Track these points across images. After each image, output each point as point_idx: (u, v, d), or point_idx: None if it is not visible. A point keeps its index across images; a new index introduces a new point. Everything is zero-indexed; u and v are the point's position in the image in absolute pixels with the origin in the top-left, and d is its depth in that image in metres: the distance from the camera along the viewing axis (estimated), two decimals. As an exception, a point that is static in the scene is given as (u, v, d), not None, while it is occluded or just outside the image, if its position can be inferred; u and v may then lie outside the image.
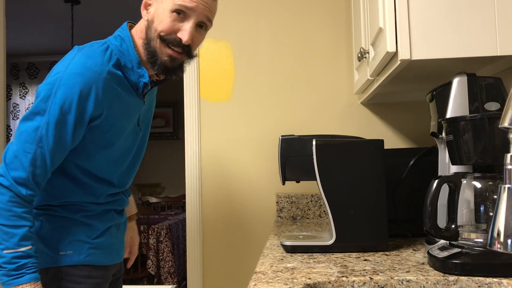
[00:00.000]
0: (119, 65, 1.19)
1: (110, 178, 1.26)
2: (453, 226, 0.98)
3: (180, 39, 1.17)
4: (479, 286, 0.90)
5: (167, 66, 1.20)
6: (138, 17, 1.27)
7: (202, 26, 1.23)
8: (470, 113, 1.07)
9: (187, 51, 1.20)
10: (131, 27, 1.27)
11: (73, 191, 1.22)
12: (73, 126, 1.12)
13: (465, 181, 0.99)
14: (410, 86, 1.57)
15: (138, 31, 1.24)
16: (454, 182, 0.99)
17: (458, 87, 1.09)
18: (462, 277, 0.91)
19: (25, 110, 6.54)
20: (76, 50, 1.17)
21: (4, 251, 1.08)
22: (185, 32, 1.17)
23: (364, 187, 1.23)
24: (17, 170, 1.10)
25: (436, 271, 0.97)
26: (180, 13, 1.16)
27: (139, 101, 1.27)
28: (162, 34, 1.17)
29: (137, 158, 1.36)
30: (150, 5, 1.22)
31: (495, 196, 0.96)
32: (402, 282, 0.94)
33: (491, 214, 0.95)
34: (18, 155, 1.10)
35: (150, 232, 3.91)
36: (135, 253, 1.63)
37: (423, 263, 1.06)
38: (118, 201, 1.33)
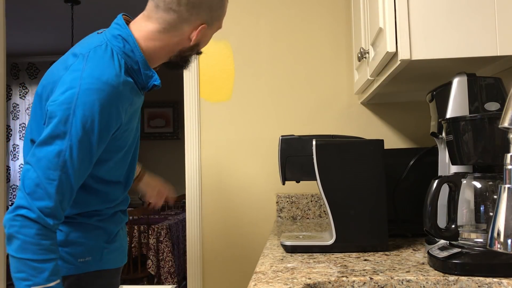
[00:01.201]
0: (127, 70, 1.14)
1: (119, 178, 1.24)
2: (453, 226, 0.98)
3: (199, 52, 1.28)
4: (479, 286, 0.90)
5: (178, 63, 1.26)
6: (124, 13, 1.23)
7: None
8: (470, 113, 1.07)
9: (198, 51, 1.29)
10: (127, 21, 1.22)
11: (89, 201, 1.18)
12: (96, 145, 1.07)
13: (465, 181, 0.99)
14: (410, 86, 1.57)
15: (148, 31, 1.18)
16: (454, 182, 0.99)
17: (458, 87, 1.09)
18: (462, 277, 0.91)
19: (25, 110, 6.54)
20: (81, 59, 1.10)
21: None
22: (204, 46, 1.27)
23: (364, 187, 1.23)
24: (43, 200, 1.02)
25: (436, 271, 0.97)
26: None
27: (142, 98, 1.26)
28: (184, 55, 1.24)
29: (136, 153, 1.32)
30: (201, 29, 1.19)
31: (495, 196, 0.96)
32: (402, 282, 0.94)
33: (491, 214, 0.95)
34: (41, 183, 1.02)
35: (150, 232, 3.91)
36: (170, 193, 1.65)
37: (423, 263, 1.06)
38: (125, 201, 1.31)
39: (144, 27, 1.18)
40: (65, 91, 1.05)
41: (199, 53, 1.28)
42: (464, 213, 0.99)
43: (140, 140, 1.36)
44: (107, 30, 1.20)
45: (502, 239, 0.66)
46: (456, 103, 1.08)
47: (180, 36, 1.19)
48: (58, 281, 1.04)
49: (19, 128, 6.53)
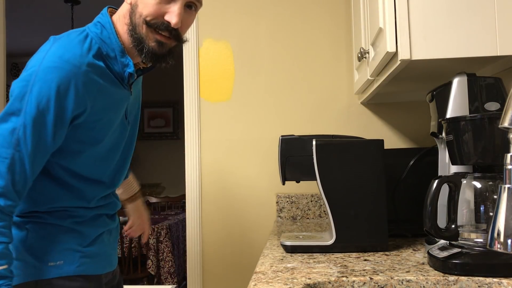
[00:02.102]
0: (100, 55, 1.08)
1: (100, 177, 1.17)
2: (453, 226, 0.98)
3: (168, 23, 1.07)
4: (479, 286, 0.90)
5: (156, 53, 1.10)
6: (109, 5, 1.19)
7: (191, 7, 1.12)
8: (470, 113, 1.07)
9: (176, 35, 1.10)
10: (112, 13, 1.16)
11: (60, 196, 1.12)
12: (53, 126, 1.01)
13: (465, 181, 0.99)
14: (410, 86, 1.57)
15: (120, 17, 1.13)
16: (454, 182, 0.99)
17: (458, 87, 1.09)
18: (462, 277, 0.91)
19: (25, 110, 6.54)
20: (52, 40, 1.06)
21: None
22: (173, 14, 1.07)
23: (364, 187, 1.23)
24: None
25: (436, 271, 0.97)
26: None
27: (126, 92, 1.17)
28: (148, 19, 1.07)
29: (127, 154, 1.26)
30: None
31: (495, 196, 0.96)
32: (402, 282, 0.94)
33: (491, 214, 0.95)
34: None
35: (150, 232, 3.91)
36: (147, 230, 1.54)
37: (423, 263, 1.06)
38: (110, 205, 1.24)
39: (120, 11, 1.14)
40: (26, 70, 1.02)
41: (181, 40, 1.13)
42: (464, 213, 0.99)
43: (137, 142, 1.31)
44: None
45: (502, 239, 0.66)
46: (456, 103, 1.08)
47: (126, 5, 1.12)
48: (4, 266, 0.97)
49: (19, 128, 6.53)
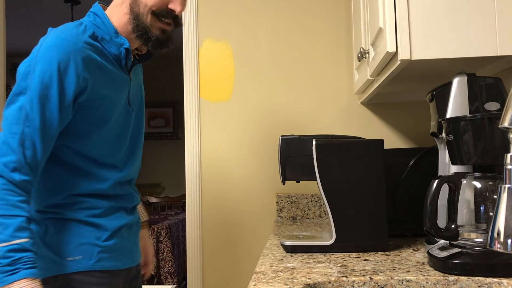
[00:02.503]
0: (95, 38, 1.14)
1: (112, 161, 1.19)
2: (453, 226, 0.98)
3: (172, 10, 1.15)
4: (479, 286, 0.90)
5: (160, 40, 1.17)
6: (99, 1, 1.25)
7: None
8: (470, 113, 1.07)
9: (177, 21, 1.18)
10: (103, 8, 1.23)
11: (74, 181, 1.14)
12: (57, 101, 1.06)
13: (465, 181, 0.99)
14: (410, 86, 1.57)
15: (117, 7, 1.19)
16: (454, 182, 0.99)
17: (458, 87, 1.09)
18: (462, 277, 0.91)
19: (25, 110, 6.54)
20: (49, 30, 1.13)
21: None
22: (176, 2, 1.15)
23: (364, 187, 1.23)
24: (7, 155, 1.02)
25: (436, 271, 0.97)
26: None
27: (125, 76, 1.21)
28: (154, 8, 1.13)
29: (136, 142, 1.29)
30: None
31: (495, 196, 0.96)
32: (402, 282, 0.94)
33: (491, 214, 0.95)
34: (6, 139, 1.03)
35: (150, 232, 3.91)
36: (149, 263, 1.51)
37: (423, 263, 1.06)
38: (128, 196, 1.25)
39: (113, 4, 1.21)
40: (30, 55, 1.09)
41: (180, 25, 1.20)
42: (464, 213, 0.99)
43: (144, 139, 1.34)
44: None
45: (502, 239, 0.66)
46: (456, 103, 1.08)
47: None
48: (26, 239, 1.00)
49: (19, 128, 6.53)
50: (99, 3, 1.23)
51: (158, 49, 1.20)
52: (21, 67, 1.08)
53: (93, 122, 1.14)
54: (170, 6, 1.15)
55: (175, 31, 1.21)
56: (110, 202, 1.19)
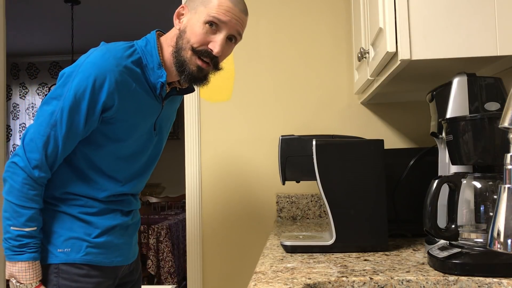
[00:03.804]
0: (140, 63, 1.22)
1: (116, 175, 1.26)
2: (453, 226, 0.98)
3: (211, 50, 1.20)
4: (479, 286, 0.90)
5: (194, 76, 1.23)
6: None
7: (231, 39, 1.25)
8: (470, 113, 1.07)
9: (215, 63, 1.23)
10: (160, 35, 1.30)
11: (74, 182, 1.23)
12: (85, 114, 1.15)
13: (465, 181, 0.99)
14: (410, 86, 1.57)
15: (168, 38, 1.27)
16: (454, 182, 0.99)
17: (458, 87, 1.09)
18: (462, 277, 0.91)
19: (25, 110, 6.55)
20: (101, 44, 1.22)
21: (11, 227, 1.15)
22: (216, 44, 1.20)
23: (364, 187, 1.23)
24: (32, 152, 1.15)
25: (436, 271, 0.97)
26: (213, 25, 1.19)
27: (157, 104, 1.28)
28: (194, 45, 1.20)
29: (150, 164, 1.36)
30: (183, 15, 1.25)
31: (495, 196, 0.96)
32: (402, 282, 0.94)
33: (491, 214, 0.95)
34: (34, 137, 1.15)
35: (150, 232, 3.91)
36: None
37: (423, 263, 1.06)
38: (124, 202, 1.31)
39: (168, 35, 1.28)
40: (75, 64, 1.18)
41: (218, 68, 1.25)
42: (464, 213, 0.99)
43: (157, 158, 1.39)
44: None
45: (502, 239, 0.66)
46: (456, 103, 1.08)
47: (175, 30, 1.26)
48: (34, 227, 1.16)
49: (19, 128, 6.53)
50: (157, 31, 1.29)
51: (191, 84, 1.28)
52: (64, 72, 1.18)
53: (110, 136, 1.22)
54: (210, 46, 1.21)
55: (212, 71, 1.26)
56: (105, 204, 1.27)
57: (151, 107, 1.26)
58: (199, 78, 1.24)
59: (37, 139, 1.15)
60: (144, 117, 1.26)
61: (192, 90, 1.37)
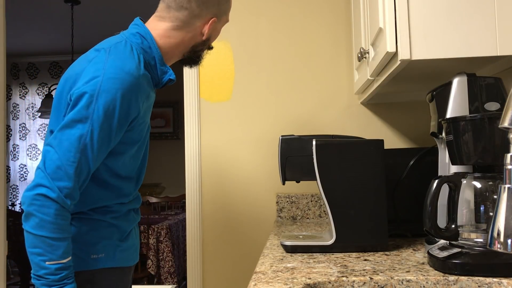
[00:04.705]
0: (147, 66, 1.22)
1: (131, 174, 1.26)
2: (453, 226, 0.98)
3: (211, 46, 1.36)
4: (479, 286, 0.90)
5: (197, 64, 1.37)
6: (139, 16, 1.27)
7: None
8: (470, 113, 1.07)
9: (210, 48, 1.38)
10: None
11: (102, 196, 1.21)
12: (115, 131, 1.13)
13: (465, 181, 0.99)
14: (410, 86, 1.57)
15: (165, 30, 1.26)
16: (454, 182, 0.99)
17: (458, 87, 1.09)
18: (462, 277, 0.91)
19: (25, 110, 6.54)
20: (104, 52, 1.16)
21: (47, 263, 1.07)
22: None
23: (364, 187, 1.23)
24: (63, 181, 1.07)
25: (436, 271, 0.97)
26: None
27: (154, 94, 1.29)
28: (197, 48, 1.31)
29: (147, 149, 1.36)
30: (212, 23, 1.29)
31: (495, 196, 0.96)
32: (402, 282, 0.94)
33: (491, 214, 0.95)
34: (62, 165, 1.08)
35: (150, 232, 3.91)
36: None
37: (423, 263, 1.06)
38: (137, 199, 1.33)
39: (158, 26, 1.26)
40: (89, 80, 1.11)
41: (210, 48, 1.36)
42: (464, 213, 0.99)
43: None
44: (125, 30, 1.27)
45: (502, 239, 0.66)
46: (456, 103, 1.08)
47: (193, 32, 1.28)
48: (69, 258, 1.10)
49: (19, 128, 6.53)
50: (140, 19, 1.28)
51: (188, 65, 1.38)
52: (82, 91, 1.10)
53: (128, 142, 1.20)
54: (209, 43, 1.35)
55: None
56: (127, 206, 1.28)
57: (153, 101, 1.28)
58: (196, 59, 1.35)
59: (67, 166, 1.08)
60: (150, 113, 1.27)
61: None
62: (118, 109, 1.11)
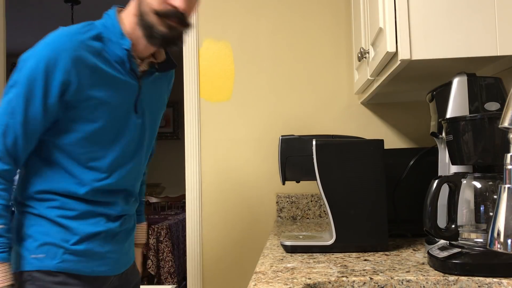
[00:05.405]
0: (100, 38, 1.14)
1: (95, 164, 1.16)
2: (453, 226, 0.98)
3: (176, 8, 1.11)
4: (479, 286, 0.90)
5: (167, 37, 1.13)
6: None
7: None
8: (470, 113, 1.07)
9: (184, 21, 1.14)
10: (120, 11, 1.22)
11: (49, 176, 1.15)
12: (42, 98, 1.08)
13: (465, 181, 0.99)
14: (410, 86, 1.57)
15: (129, 10, 1.18)
16: (454, 182, 0.99)
17: (458, 87, 1.09)
18: (462, 277, 0.91)
19: (25, 110, 6.53)
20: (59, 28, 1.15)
21: None
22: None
23: (364, 187, 1.23)
24: None
25: (436, 271, 0.97)
26: None
27: (131, 82, 1.18)
28: (156, 8, 1.11)
29: (138, 151, 1.25)
30: None
31: (495, 196, 0.96)
32: (402, 282, 0.94)
33: (491, 214, 0.95)
34: None
35: (150, 232, 3.91)
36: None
37: (423, 263, 1.06)
38: (112, 205, 1.21)
39: (128, 6, 1.20)
40: (31, 49, 1.12)
41: (188, 25, 1.16)
42: (464, 213, 0.99)
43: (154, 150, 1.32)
44: None
45: (502, 239, 0.66)
46: (456, 103, 1.08)
47: None
48: (1, 225, 1.07)
49: (19, 128, 6.53)
50: (117, 6, 1.23)
51: (166, 48, 1.21)
52: (21, 58, 1.11)
53: (77, 120, 1.13)
54: (172, 2, 1.11)
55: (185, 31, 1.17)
56: (88, 206, 1.17)
57: (122, 84, 1.16)
58: (172, 38, 1.14)
59: None
60: (116, 95, 1.16)
61: (174, 65, 1.29)
62: (42, 74, 1.07)
